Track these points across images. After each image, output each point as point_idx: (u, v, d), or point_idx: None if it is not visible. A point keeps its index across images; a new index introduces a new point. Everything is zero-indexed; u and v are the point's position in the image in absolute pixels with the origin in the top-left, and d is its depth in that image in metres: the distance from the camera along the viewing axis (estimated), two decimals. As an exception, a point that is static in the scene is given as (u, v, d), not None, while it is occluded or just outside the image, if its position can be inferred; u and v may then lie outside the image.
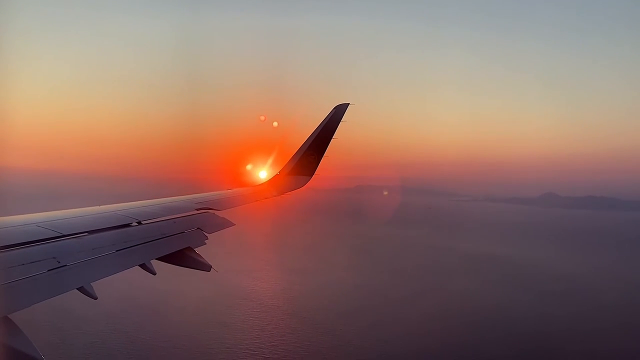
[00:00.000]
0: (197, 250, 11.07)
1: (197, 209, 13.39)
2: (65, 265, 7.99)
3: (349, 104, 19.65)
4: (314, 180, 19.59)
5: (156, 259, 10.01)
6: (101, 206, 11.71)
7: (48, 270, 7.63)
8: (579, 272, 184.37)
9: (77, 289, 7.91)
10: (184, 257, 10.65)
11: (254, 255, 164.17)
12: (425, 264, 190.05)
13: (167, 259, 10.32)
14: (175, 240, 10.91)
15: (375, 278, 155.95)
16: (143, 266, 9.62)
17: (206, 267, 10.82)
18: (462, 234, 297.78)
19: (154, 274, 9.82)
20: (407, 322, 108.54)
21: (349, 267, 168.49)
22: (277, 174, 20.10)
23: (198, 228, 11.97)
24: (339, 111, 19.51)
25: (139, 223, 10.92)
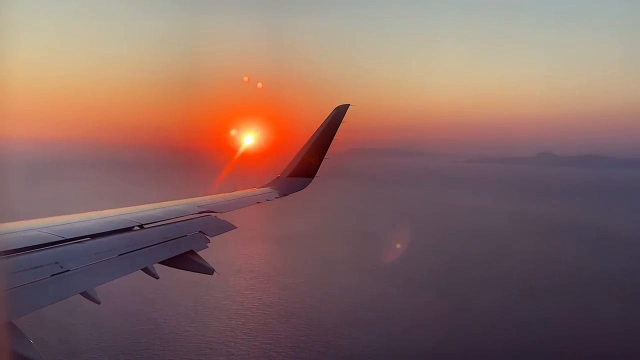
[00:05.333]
0: (199, 253, 11.06)
1: (199, 212, 13.41)
2: (69, 270, 8.01)
3: (349, 104, 19.51)
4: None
5: (159, 262, 10.03)
6: (103, 210, 11.73)
7: (51, 276, 7.67)
8: (624, 230, 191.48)
9: (81, 293, 7.94)
10: (186, 261, 10.64)
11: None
12: (468, 224, 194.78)
13: (170, 262, 10.32)
14: (178, 243, 10.90)
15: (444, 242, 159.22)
16: (146, 270, 9.64)
17: (209, 271, 10.83)
18: (476, 194, 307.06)
19: (157, 278, 9.83)
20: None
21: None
22: (278, 176, 20.03)
23: (200, 231, 11.95)
24: (340, 112, 19.37)
25: (141, 227, 10.94)
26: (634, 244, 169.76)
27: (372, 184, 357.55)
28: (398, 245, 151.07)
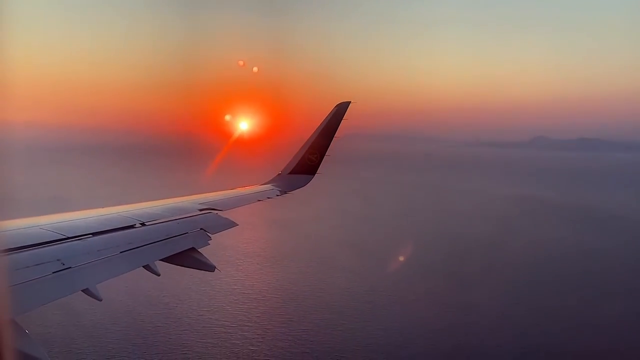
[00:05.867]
0: (200, 250, 11.19)
1: (200, 210, 13.48)
2: (70, 268, 8.13)
3: (350, 102, 19.44)
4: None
5: (160, 260, 10.17)
6: (105, 208, 11.88)
7: (53, 273, 7.79)
8: (622, 214, 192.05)
9: (82, 290, 8.08)
10: (187, 258, 10.78)
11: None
12: (467, 209, 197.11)
13: (171, 259, 10.45)
14: (179, 241, 11.01)
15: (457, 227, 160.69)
16: (147, 267, 9.77)
17: (210, 268, 10.97)
18: (475, 178, 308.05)
19: (158, 275, 10.01)
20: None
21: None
22: (279, 173, 20.08)
23: (201, 229, 12.04)
24: (340, 110, 19.32)
25: (143, 224, 11.04)
26: (632, 227, 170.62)
27: (372, 168, 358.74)
28: (400, 230, 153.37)
